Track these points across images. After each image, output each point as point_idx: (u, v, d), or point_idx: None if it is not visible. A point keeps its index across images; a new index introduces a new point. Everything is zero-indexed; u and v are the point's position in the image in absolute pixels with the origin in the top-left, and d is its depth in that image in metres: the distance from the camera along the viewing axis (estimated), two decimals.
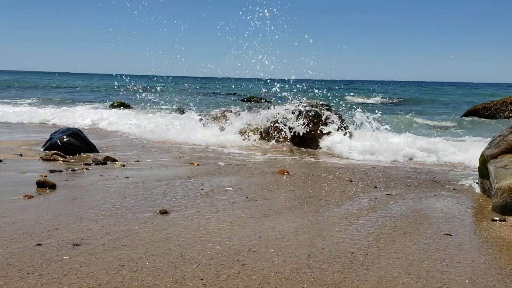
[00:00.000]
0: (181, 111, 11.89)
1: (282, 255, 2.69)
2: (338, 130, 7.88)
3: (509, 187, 3.79)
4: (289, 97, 8.79)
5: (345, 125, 8.24)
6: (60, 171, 4.86)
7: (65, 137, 6.13)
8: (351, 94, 25.79)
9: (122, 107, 15.69)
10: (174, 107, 14.74)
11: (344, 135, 7.77)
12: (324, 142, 7.63)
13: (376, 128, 8.37)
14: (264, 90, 9.82)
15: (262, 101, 24.77)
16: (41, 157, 5.62)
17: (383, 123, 8.68)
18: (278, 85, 9.42)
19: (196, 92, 32.23)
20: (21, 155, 5.69)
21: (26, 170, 4.83)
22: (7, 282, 2.19)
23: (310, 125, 7.82)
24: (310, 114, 7.94)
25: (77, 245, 2.70)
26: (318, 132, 7.79)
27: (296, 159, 6.45)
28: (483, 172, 4.68)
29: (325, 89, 11.23)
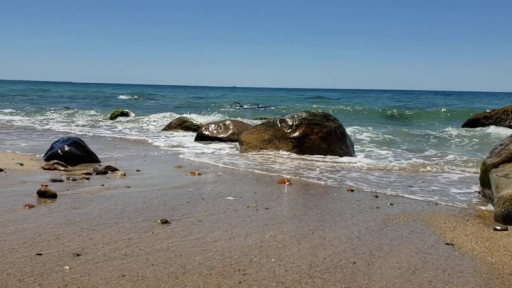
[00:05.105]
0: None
1: (284, 265, 2.68)
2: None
3: (510, 196, 3.78)
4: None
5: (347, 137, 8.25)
6: (61, 180, 4.86)
7: (66, 146, 6.14)
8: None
9: (123, 116, 15.73)
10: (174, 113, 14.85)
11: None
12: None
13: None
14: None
15: (261, 108, 24.91)
16: (42, 167, 5.62)
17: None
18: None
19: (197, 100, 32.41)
20: (22, 165, 5.69)
21: (27, 179, 4.83)
22: None
23: (312, 135, 7.82)
24: (312, 122, 7.94)
25: (77, 255, 2.69)
26: (319, 140, 7.78)
27: (297, 168, 6.44)
28: (485, 181, 4.67)
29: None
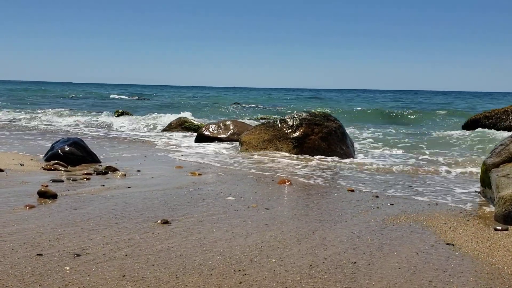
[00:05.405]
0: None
1: (284, 265, 2.68)
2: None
3: (511, 196, 3.78)
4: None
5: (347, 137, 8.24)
6: (62, 181, 4.86)
7: (66, 147, 6.14)
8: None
9: (124, 116, 15.79)
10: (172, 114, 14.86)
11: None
12: None
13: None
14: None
15: (258, 107, 24.94)
16: (42, 167, 5.62)
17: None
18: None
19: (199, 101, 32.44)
20: (22, 165, 5.69)
21: (27, 180, 4.84)
22: None
23: (313, 135, 7.82)
24: (312, 122, 7.94)
25: (78, 255, 2.69)
26: (320, 140, 7.78)
27: (297, 168, 6.44)
28: (485, 181, 4.67)
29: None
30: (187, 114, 13.81)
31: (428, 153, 8.53)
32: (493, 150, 4.83)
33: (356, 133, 11.90)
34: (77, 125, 13.88)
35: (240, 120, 12.33)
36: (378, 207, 4.22)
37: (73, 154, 6.09)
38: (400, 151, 8.79)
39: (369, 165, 6.94)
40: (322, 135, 7.85)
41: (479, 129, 12.44)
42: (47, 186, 4.43)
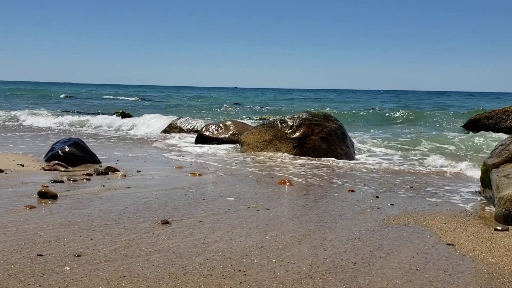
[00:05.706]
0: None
1: (284, 265, 2.68)
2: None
3: (511, 197, 3.78)
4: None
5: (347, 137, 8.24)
6: (62, 181, 4.86)
7: (66, 147, 6.14)
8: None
9: (124, 117, 15.76)
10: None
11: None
12: None
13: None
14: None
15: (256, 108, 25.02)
16: (42, 168, 5.62)
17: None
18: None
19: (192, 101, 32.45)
20: (22, 165, 5.69)
21: (28, 180, 4.84)
22: None
23: (313, 135, 7.82)
24: (312, 123, 7.94)
25: (78, 255, 2.69)
26: (320, 141, 7.78)
27: (297, 168, 6.45)
28: (485, 182, 4.67)
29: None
30: (185, 116, 13.82)
31: (428, 153, 8.53)
32: (493, 151, 4.83)
33: (356, 134, 11.90)
34: (77, 125, 13.88)
35: (240, 120, 12.33)
36: (378, 208, 4.22)
37: (73, 155, 6.09)
38: (400, 151, 8.79)
39: (369, 165, 6.94)
40: (322, 136, 7.85)
41: (480, 129, 12.45)
42: (47, 186, 4.43)
